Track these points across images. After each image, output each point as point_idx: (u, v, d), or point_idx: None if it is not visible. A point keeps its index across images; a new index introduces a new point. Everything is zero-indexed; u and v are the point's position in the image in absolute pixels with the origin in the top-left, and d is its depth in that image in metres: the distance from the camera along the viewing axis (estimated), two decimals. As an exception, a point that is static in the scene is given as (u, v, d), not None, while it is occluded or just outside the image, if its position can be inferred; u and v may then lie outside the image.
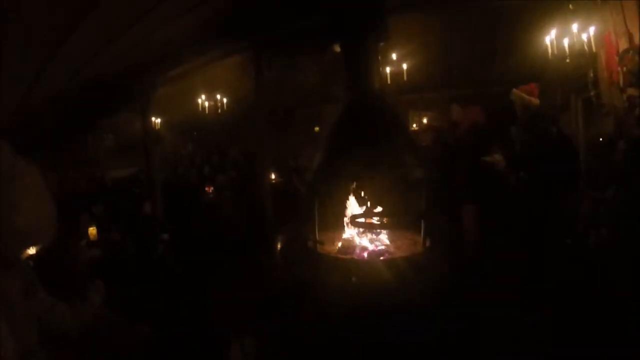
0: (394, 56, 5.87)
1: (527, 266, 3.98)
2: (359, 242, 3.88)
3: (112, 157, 8.90)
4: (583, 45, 4.35)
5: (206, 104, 7.34)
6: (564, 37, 4.43)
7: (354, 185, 4.10)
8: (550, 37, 4.54)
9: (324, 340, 3.24)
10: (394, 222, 4.05)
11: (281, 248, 4.44)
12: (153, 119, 7.46)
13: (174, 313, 3.54)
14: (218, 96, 7.34)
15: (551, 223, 4.19)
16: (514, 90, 5.00)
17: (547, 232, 4.15)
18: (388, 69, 5.71)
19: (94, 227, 4.95)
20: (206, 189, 6.38)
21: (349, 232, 4.03)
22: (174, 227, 5.79)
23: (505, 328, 3.24)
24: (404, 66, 5.71)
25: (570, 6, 4.69)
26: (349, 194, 4.13)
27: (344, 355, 3.20)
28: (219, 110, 7.28)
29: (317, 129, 5.47)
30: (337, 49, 3.99)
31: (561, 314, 3.25)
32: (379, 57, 3.98)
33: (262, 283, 4.28)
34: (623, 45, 4.47)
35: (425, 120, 5.49)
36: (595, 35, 4.33)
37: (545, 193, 4.35)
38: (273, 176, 5.42)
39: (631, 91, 4.39)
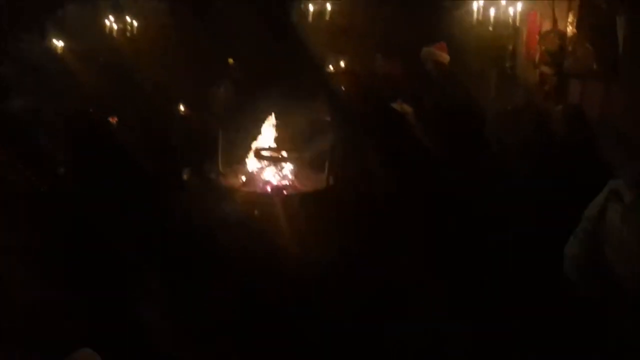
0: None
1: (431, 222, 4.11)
2: (263, 176, 3.90)
3: (8, 84, 8.11)
4: (508, 19, 4.51)
5: (114, 26, 6.82)
6: (492, 6, 4.56)
7: (263, 120, 4.06)
8: (478, 3, 4.66)
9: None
10: (298, 157, 4.07)
11: (186, 181, 4.35)
12: (55, 41, 6.82)
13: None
14: (127, 18, 6.82)
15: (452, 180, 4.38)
16: (424, 48, 5.08)
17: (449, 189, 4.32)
18: (311, 7, 5.58)
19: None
20: (110, 119, 6.02)
21: (254, 166, 4.02)
22: (73, 160, 5.42)
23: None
24: (328, 6, 5.62)
25: None
26: (257, 129, 4.08)
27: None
28: (128, 34, 6.80)
29: (230, 60, 5.27)
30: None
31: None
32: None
33: (170, 218, 4.16)
34: (546, 26, 4.72)
35: (342, 64, 5.48)
36: (522, 12, 4.51)
37: (451, 152, 4.53)
38: (182, 108, 5.21)
39: (545, 69, 4.72)
